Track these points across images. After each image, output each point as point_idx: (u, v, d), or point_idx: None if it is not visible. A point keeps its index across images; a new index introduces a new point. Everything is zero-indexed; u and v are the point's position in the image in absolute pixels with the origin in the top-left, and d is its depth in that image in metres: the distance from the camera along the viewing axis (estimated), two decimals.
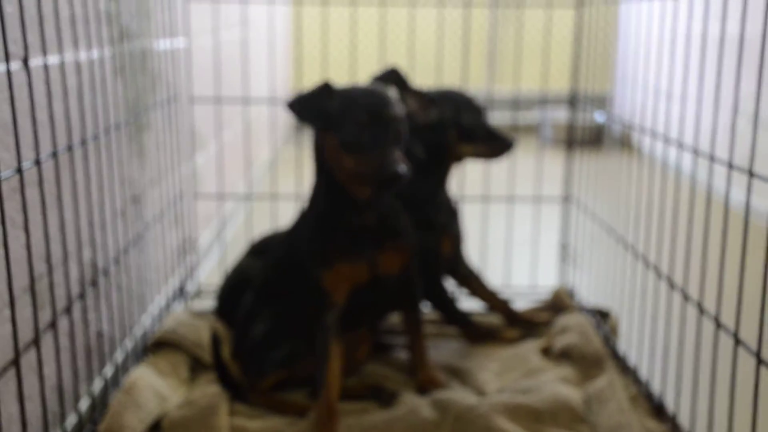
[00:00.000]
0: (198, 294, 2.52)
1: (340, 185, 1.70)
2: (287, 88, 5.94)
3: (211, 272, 2.82)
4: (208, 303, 2.37)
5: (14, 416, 1.40)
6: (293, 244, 1.87)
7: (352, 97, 1.65)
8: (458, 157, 2.15)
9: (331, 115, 1.64)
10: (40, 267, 1.51)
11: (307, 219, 1.81)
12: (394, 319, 2.13)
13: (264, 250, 2.21)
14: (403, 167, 1.56)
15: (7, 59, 1.26)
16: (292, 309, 1.85)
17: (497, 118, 2.23)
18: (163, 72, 2.35)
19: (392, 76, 1.82)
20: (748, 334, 1.38)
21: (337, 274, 1.73)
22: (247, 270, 2.17)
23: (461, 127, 2.08)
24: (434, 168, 2.11)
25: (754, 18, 1.33)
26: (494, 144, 2.11)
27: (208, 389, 1.84)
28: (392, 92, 1.71)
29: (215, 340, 1.93)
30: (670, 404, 1.72)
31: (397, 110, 1.65)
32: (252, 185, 3.90)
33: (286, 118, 5.76)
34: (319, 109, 1.66)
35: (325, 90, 1.66)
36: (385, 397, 1.84)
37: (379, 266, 1.77)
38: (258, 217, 2.76)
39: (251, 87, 3.58)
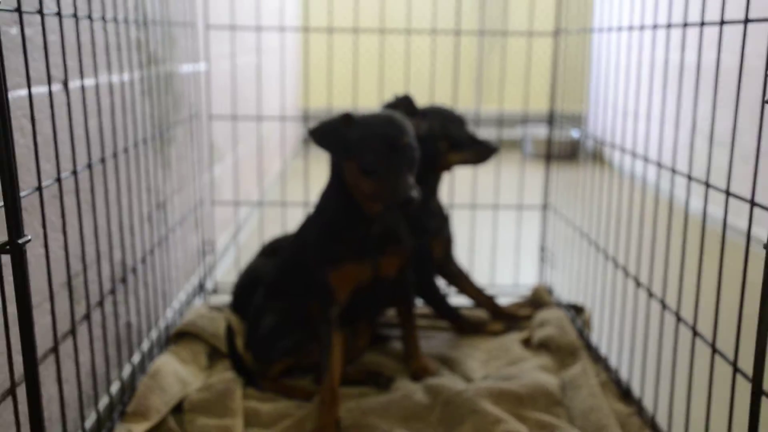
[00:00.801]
0: (215, 290, 2.52)
1: (354, 200, 1.70)
2: (296, 106, 5.96)
3: (227, 271, 2.83)
4: (225, 298, 2.37)
5: (54, 397, 1.41)
6: (300, 246, 1.88)
7: (370, 126, 1.63)
8: (447, 166, 2.14)
9: (350, 143, 1.62)
10: (76, 265, 1.52)
11: (316, 224, 1.80)
12: (391, 313, 2.14)
13: (274, 252, 2.22)
14: (415, 192, 1.56)
15: (49, 82, 1.27)
16: (297, 304, 1.85)
17: (484, 134, 2.25)
18: (186, 92, 2.36)
19: (404, 102, 1.83)
20: (705, 327, 1.40)
21: (343, 274, 1.73)
22: (259, 269, 2.17)
23: (450, 137, 2.08)
24: (426, 177, 2.12)
25: (709, 48, 1.35)
26: (479, 150, 2.10)
27: (225, 375, 1.84)
28: (405, 120, 1.69)
29: (230, 332, 1.94)
30: (636, 389, 1.73)
31: (411, 138, 1.63)
32: (264, 194, 3.91)
33: (294, 134, 5.78)
34: (339, 137, 1.63)
35: (345, 120, 1.64)
36: (382, 382, 1.85)
37: (381, 268, 1.77)
38: (269, 222, 2.77)
39: (264, 106, 3.60)
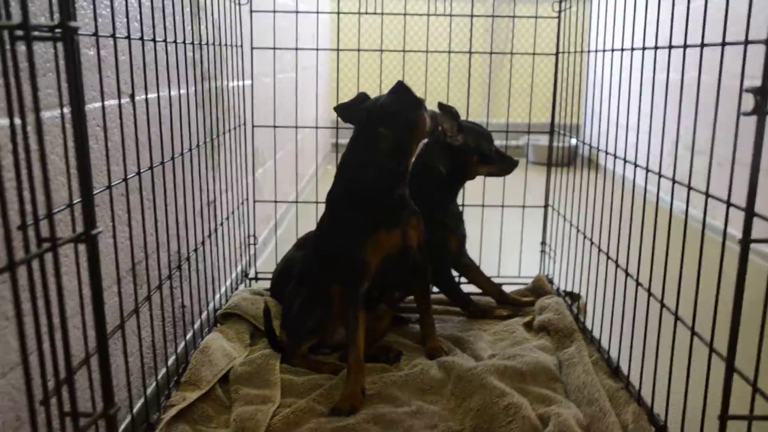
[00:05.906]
0: (257, 277, 2.54)
1: (388, 167, 1.74)
2: (329, 117, 5.98)
3: (267, 261, 2.85)
4: (265, 284, 2.39)
5: (121, 367, 1.44)
6: (331, 223, 1.83)
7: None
8: (473, 176, 2.19)
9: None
10: (139, 254, 1.55)
11: (346, 197, 1.79)
12: (409, 299, 2.15)
13: (307, 245, 2.24)
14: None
15: (118, 96, 1.30)
16: (320, 288, 1.83)
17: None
18: (233, 105, 2.38)
19: (452, 110, 1.91)
20: (686, 313, 1.39)
21: (378, 241, 1.71)
22: (294, 259, 2.18)
23: (481, 152, 2.13)
24: (452, 182, 2.15)
25: (690, 69, 1.35)
26: (504, 164, 2.18)
27: (265, 351, 1.86)
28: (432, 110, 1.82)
29: (267, 313, 1.93)
30: (624, 367, 1.72)
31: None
32: (300, 193, 3.94)
33: (326, 141, 5.79)
34: (356, 112, 1.77)
35: (360, 97, 1.79)
36: (391, 356, 1.85)
37: (407, 237, 1.77)
38: (304, 219, 2.79)
39: (300, 116, 3.62)
